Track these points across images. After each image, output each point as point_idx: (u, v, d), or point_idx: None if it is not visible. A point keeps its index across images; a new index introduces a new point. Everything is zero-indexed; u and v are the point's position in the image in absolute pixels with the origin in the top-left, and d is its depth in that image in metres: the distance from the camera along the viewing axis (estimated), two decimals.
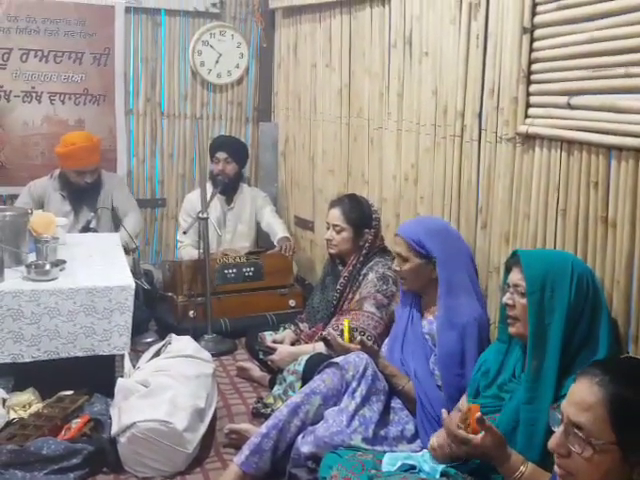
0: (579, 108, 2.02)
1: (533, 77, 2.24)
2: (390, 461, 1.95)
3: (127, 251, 3.41)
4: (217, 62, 4.46)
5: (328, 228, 3.03)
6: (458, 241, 2.48)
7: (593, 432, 1.25)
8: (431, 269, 2.39)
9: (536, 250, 2.15)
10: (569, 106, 2.06)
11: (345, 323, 2.52)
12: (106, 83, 4.22)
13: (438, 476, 1.80)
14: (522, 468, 1.66)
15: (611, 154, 1.90)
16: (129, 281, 2.67)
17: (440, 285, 2.34)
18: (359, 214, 2.96)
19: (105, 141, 4.19)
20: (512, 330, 1.88)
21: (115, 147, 4.30)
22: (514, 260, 1.89)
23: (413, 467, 1.88)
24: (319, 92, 3.94)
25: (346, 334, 2.44)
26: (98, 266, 2.85)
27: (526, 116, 2.27)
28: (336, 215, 2.99)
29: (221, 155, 4.02)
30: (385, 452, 2.06)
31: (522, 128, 2.26)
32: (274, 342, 3.06)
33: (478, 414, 1.67)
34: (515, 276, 1.86)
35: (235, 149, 4.09)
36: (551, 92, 2.16)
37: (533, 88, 2.24)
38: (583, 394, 1.28)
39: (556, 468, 1.32)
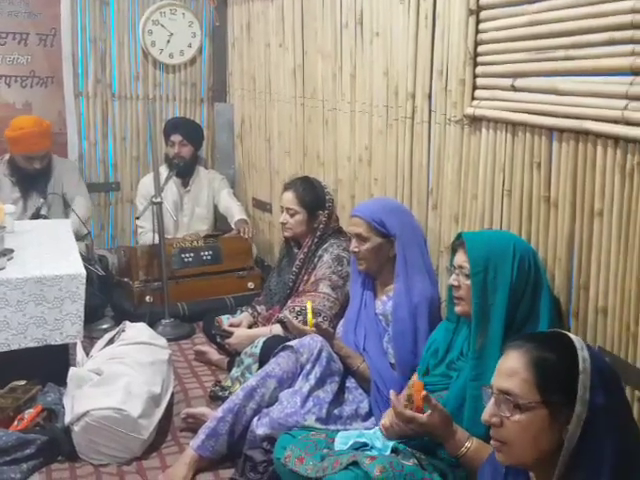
0: (522, 90, 2.05)
1: (479, 59, 2.26)
2: (342, 440, 1.98)
3: (79, 237, 3.37)
4: (169, 42, 4.38)
5: (282, 211, 3.03)
6: (412, 220, 2.51)
7: (520, 394, 1.30)
8: (389, 248, 2.42)
9: (480, 232, 2.19)
10: (513, 88, 2.09)
11: (308, 305, 2.53)
12: (54, 65, 4.12)
13: (389, 452, 1.84)
14: (467, 444, 1.72)
15: (553, 136, 1.94)
16: (80, 269, 2.64)
17: (398, 264, 2.37)
18: (312, 197, 2.97)
19: (55, 125, 4.08)
20: (458, 309, 1.93)
21: (65, 130, 4.21)
22: (459, 242, 1.93)
23: (365, 445, 1.92)
24: (273, 72, 3.91)
25: (309, 316, 2.46)
26: (48, 254, 2.81)
27: (473, 98, 2.29)
28: (289, 198, 2.99)
29: (176, 137, 3.98)
30: (338, 431, 2.09)
31: (469, 110, 2.28)
32: (231, 325, 3.07)
33: (424, 392, 1.71)
34: (460, 258, 1.90)
35: (190, 131, 4.05)
36: (496, 74, 2.19)
37: (479, 70, 2.27)
38: (509, 363, 1.34)
39: (492, 441, 1.37)
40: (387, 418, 1.91)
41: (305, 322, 2.47)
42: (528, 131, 2.02)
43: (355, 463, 1.75)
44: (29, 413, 2.33)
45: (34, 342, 2.53)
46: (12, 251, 2.73)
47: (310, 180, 3.06)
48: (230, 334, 2.96)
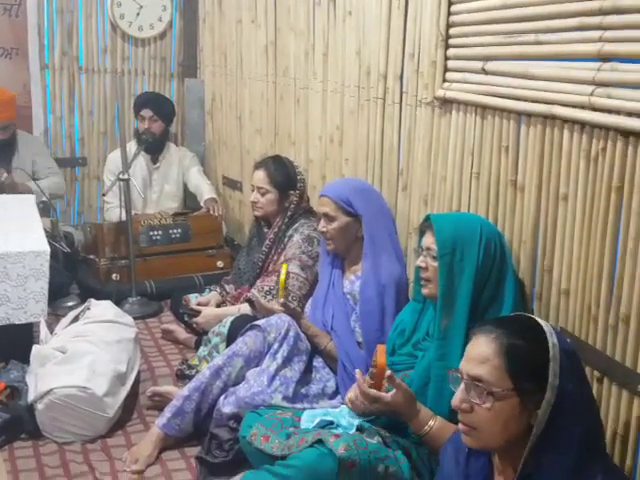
0: (493, 73, 2.05)
1: (451, 41, 2.25)
2: (308, 418, 1.99)
3: (45, 211, 3.32)
4: (138, 14, 4.30)
5: (253, 190, 3.02)
6: (380, 201, 2.52)
7: (492, 382, 1.32)
8: (357, 228, 2.42)
9: (448, 214, 2.20)
10: (484, 71, 2.09)
11: (283, 269, 2.50)
12: (19, 36, 4.02)
13: (354, 430, 1.86)
14: (431, 422, 1.74)
15: (521, 120, 1.95)
16: (44, 246, 2.60)
17: (365, 243, 2.38)
18: (284, 176, 2.95)
19: (20, 97, 3.99)
20: (425, 291, 1.95)
21: (30, 104, 4.13)
22: (427, 224, 1.94)
23: (331, 423, 1.94)
24: (245, 49, 3.86)
25: (281, 290, 2.45)
26: (11, 230, 2.75)
27: (444, 80, 2.29)
28: (261, 177, 2.97)
29: (146, 113, 3.92)
30: (305, 410, 2.10)
31: (440, 92, 2.28)
32: (199, 304, 3.05)
33: (388, 372, 1.73)
34: (428, 240, 1.92)
35: (161, 106, 4.00)
36: (467, 57, 2.18)
37: (451, 52, 2.26)
38: (479, 349, 1.35)
39: (460, 425, 1.39)
40: (352, 392, 1.92)
41: (277, 294, 2.45)
42: (497, 115, 2.03)
43: (320, 441, 1.76)
44: None
45: None
46: None
47: (282, 159, 3.04)
48: (198, 313, 2.95)
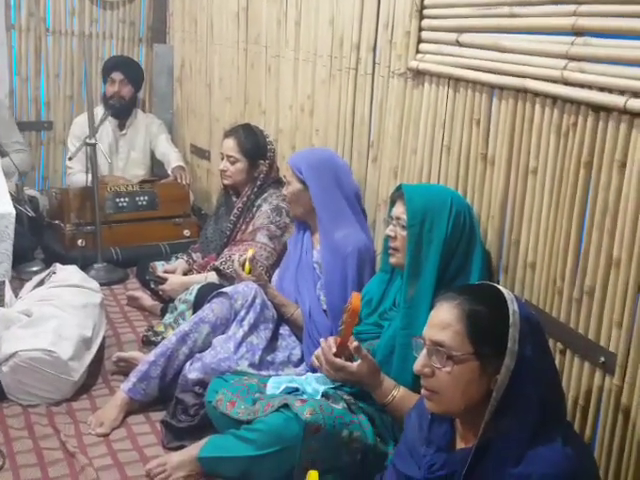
0: (467, 46, 2.06)
1: (425, 12, 2.25)
2: (274, 384, 2.02)
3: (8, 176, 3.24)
4: None
5: (222, 159, 3.00)
6: (340, 174, 2.46)
7: (453, 346, 1.35)
8: (310, 197, 2.43)
9: (420, 185, 2.22)
10: (458, 43, 2.10)
11: (249, 253, 2.50)
12: None
13: (319, 397, 1.88)
14: (394, 392, 1.78)
15: (494, 93, 1.96)
16: (9, 208, 2.51)
17: (317, 212, 2.40)
18: (254, 145, 2.94)
19: None
20: (392, 260, 1.96)
21: None
22: (398, 194, 1.95)
23: (296, 390, 1.96)
24: (216, 14, 3.80)
25: (247, 264, 2.45)
26: None
27: (417, 52, 2.29)
28: (230, 146, 2.95)
29: (117, 76, 3.85)
30: (270, 377, 2.12)
31: (413, 63, 2.28)
32: (166, 272, 3.04)
33: (355, 343, 1.76)
34: (398, 209, 1.93)
35: (132, 70, 3.94)
36: (442, 28, 2.19)
37: (425, 23, 2.26)
38: (442, 315, 1.39)
39: (423, 391, 1.42)
40: (315, 357, 1.93)
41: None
42: (470, 87, 2.04)
43: (286, 406, 1.79)
44: None
45: None
46: None
47: (252, 128, 3.02)
48: (164, 280, 2.94)
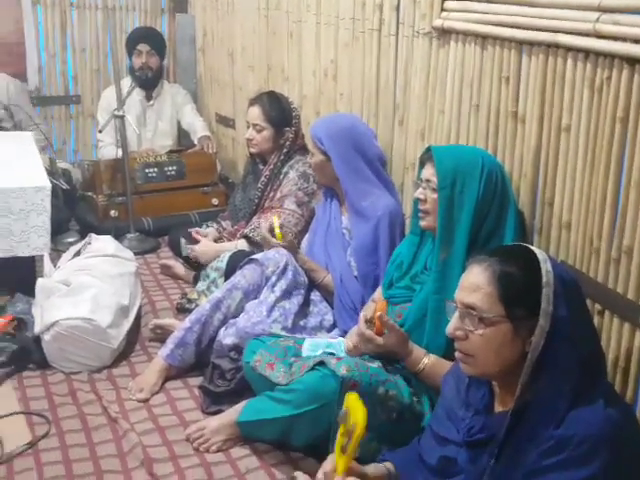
0: (495, 2, 2.02)
1: None
2: (310, 347, 2.04)
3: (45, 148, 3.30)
4: None
5: (248, 127, 3.00)
6: (362, 140, 2.44)
7: (484, 308, 1.34)
8: (333, 167, 2.42)
9: (449, 146, 2.19)
10: None
11: (274, 220, 2.53)
12: None
13: None
14: (425, 360, 1.79)
15: (523, 49, 1.93)
16: (45, 182, 2.60)
17: (341, 181, 2.40)
18: (279, 112, 2.93)
19: (12, 35, 3.94)
20: (423, 224, 1.94)
21: (23, 41, 4.03)
22: (427, 156, 1.92)
23: (331, 354, 1.98)
24: None
25: (277, 230, 2.47)
26: (12, 166, 2.75)
27: (442, 10, 2.25)
28: (256, 114, 2.95)
29: (144, 47, 3.86)
30: (305, 338, 2.15)
31: (438, 22, 2.25)
32: (198, 234, 3.06)
33: (379, 313, 1.77)
34: (428, 171, 1.90)
35: (158, 41, 3.96)
36: None
37: None
38: (473, 278, 1.38)
39: (457, 353, 1.42)
40: (350, 340, 1.97)
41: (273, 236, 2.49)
42: (498, 44, 2.01)
43: (322, 363, 1.81)
44: None
45: (1, 253, 2.52)
46: None
47: (277, 95, 3.01)
48: (196, 242, 2.97)
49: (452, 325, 1.41)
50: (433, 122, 2.36)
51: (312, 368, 1.81)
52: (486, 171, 1.85)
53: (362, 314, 1.87)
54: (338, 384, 1.73)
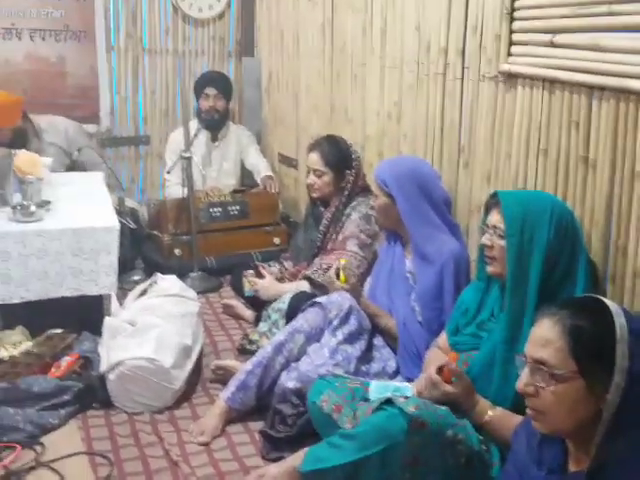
0: (562, 46, 2.01)
1: (516, 14, 2.21)
2: (378, 390, 1.98)
3: (114, 188, 3.40)
4: None
5: (309, 172, 3.02)
6: (427, 182, 2.41)
7: (555, 364, 1.29)
8: (398, 210, 2.39)
9: (516, 191, 2.16)
10: (552, 44, 2.05)
11: (341, 263, 2.50)
12: (86, 19, 4.10)
13: None
14: (490, 412, 1.73)
15: (593, 94, 1.90)
16: (114, 222, 2.68)
17: (405, 224, 2.37)
18: (338, 156, 2.94)
19: (87, 79, 4.12)
20: (490, 270, 1.90)
21: (97, 85, 4.22)
22: (494, 201, 1.89)
23: None
24: (302, 27, 3.86)
25: (342, 273, 2.46)
26: (83, 206, 2.85)
27: (509, 54, 2.25)
28: (315, 159, 2.97)
29: (211, 91, 3.97)
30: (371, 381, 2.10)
31: (504, 66, 2.24)
32: (263, 268, 3.08)
33: (449, 362, 1.74)
34: (494, 217, 1.87)
35: (224, 84, 4.06)
36: (534, 30, 2.14)
37: (516, 25, 2.22)
38: (542, 332, 1.33)
39: (528, 410, 1.37)
40: (417, 386, 1.92)
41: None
42: (567, 89, 1.98)
43: (388, 402, 1.74)
44: (66, 361, 2.39)
45: (70, 292, 2.59)
46: (49, 202, 2.76)
47: (335, 139, 3.02)
48: (262, 276, 2.98)
49: (522, 381, 1.36)
50: (499, 166, 2.34)
51: (378, 408, 1.75)
52: (556, 217, 1.79)
53: (428, 358, 1.81)
54: (406, 421, 1.66)
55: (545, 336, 1.32)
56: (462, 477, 1.71)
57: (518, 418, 1.64)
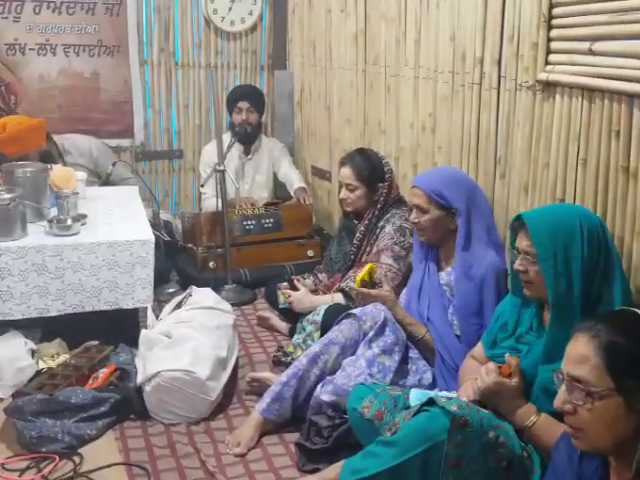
0: (601, 54, 1.98)
1: (554, 22, 2.19)
2: (418, 396, 1.94)
3: (149, 201, 3.43)
4: (230, 9, 4.39)
5: (341, 187, 3.01)
6: (476, 191, 2.44)
7: (592, 382, 1.27)
8: (450, 220, 2.38)
9: (540, 210, 2.01)
10: (591, 52, 2.02)
11: (371, 267, 2.50)
12: (120, 34, 4.17)
13: None
14: (533, 417, 1.70)
15: (633, 102, 1.86)
16: (149, 235, 2.70)
17: (459, 236, 2.33)
18: (370, 170, 2.94)
19: (121, 93, 4.19)
20: (528, 294, 1.86)
21: (131, 99, 4.28)
22: (519, 224, 1.83)
23: None
24: (334, 39, 3.87)
25: (361, 275, 2.45)
26: (118, 220, 2.88)
27: (546, 63, 2.22)
28: (347, 174, 2.97)
29: (244, 104, 4.00)
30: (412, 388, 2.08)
31: (542, 75, 2.22)
32: (298, 281, 3.08)
33: (510, 360, 1.73)
34: (523, 242, 1.81)
35: (257, 98, 4.09)
36: (573, 38, 2.11)
37: (554, 33, 2.19)
38: (578, 348, 1.31)
39: (567, 427, 1.35)
40: (465, 394, 1.88)
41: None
42: (606, 97, 1.95)
43: (429, 404, 1.71)
44: (103, 372, 2.41)
45: (107, 305, 2.62)
46: (85, 216, 2.80)
47: (366, 152, 3.02)
48: (297, 289, 2.98)
49: (559, 399, 1.34)
50: (537, 176, 2.30)
51: (419, 411, 1.72)
52: (586, 231, 1.74)
53: (463, 369, 1.80)
54: (448, 420, 1.62)
55: (581, 352, 1.30)
56: None
57: (562, 426, 1.60)
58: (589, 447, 1.32)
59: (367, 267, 2.51)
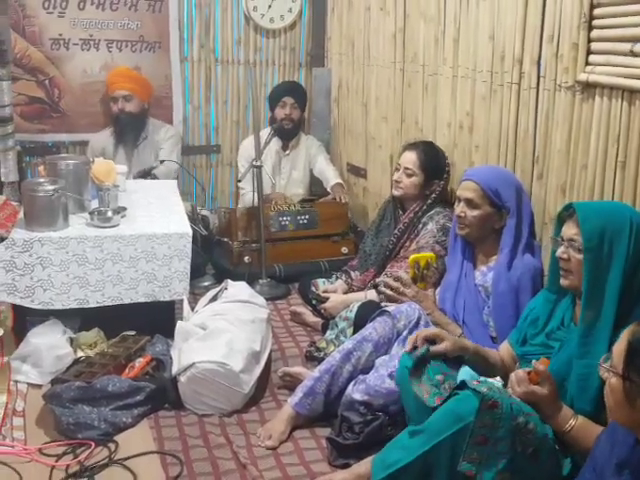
0: None
1: (595, 23, 2.16)
2: (465, 374, 1.94)
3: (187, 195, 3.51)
4: (270, 6, 4.42)
5: (397, 169, 3.02)
6: (524, 192, 2.45)
7: (614, 361, 1.33)
8: (496, 219, 2.38)
9: (592, 203, 2.09)
10: (632, 53, 1.99)
11: (427, 254, 2.53)
12: (161, 30, 4.23)
13: None
14: (571, 421, 1.69)
15: None
16: (187, 228, 2.75)
17: (507, 236, 2.33)
18: (434, 163, 2.95)
19: (161, 88, 4.25)
20: (565, 283, 1.86)
21: (171, 94, 4.34)
22: (568, 213, 1.85)
23: None
24: (373, 37, 3.87)
25: (410, 271, 2.47)
26: (157, 213, 2.93)
27: (587, 63, 2.20)
28: (411, 159, 2.97)
29: (289, 100, 4.03)
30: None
31: (582, 76, 2.19)
32: (326, 291, 3.11)
33: (542, 367, 1.71)
34: (570, 230, 1.82)
35: (301, 95, 4.13)
36: (613, 38, 2.09)
37: (594, 34, 2.17)
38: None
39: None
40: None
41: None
42: None
43: (462, 386, 1.72)
44: (139, 362, 2.46)
45: (144, 297, 2.67)
46: (125, 209, 2.86)
47: (435, 147, 3.04)
48: (325, 299, 3.01)
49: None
50: (575, 177, 2.28)
51: (449, 396, 1.73)
52: (635, 229, 1.74)
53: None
54: (478, 400, 1.62)
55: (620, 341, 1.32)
56: (527, 468, 1.67)
57: (599, 428, 1.61)
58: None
59: (428, 254, 2.50)
